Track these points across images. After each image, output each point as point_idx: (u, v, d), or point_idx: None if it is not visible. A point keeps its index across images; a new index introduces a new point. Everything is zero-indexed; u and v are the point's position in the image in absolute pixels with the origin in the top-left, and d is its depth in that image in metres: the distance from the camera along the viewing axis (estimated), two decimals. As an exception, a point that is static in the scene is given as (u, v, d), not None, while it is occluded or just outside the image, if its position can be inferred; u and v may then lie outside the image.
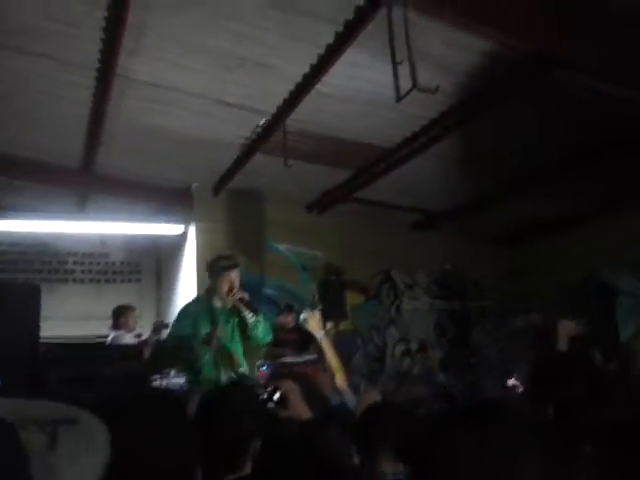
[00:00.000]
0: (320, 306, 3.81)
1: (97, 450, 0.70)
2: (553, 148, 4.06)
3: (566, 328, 2.96)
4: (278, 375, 2.62)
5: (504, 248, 6.25)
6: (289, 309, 4.51)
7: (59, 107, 3.71)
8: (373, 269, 5.82)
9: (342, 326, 5.34)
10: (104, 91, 3.36)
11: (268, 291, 5.02)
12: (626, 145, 3.83)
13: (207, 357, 2.97)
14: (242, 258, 4.47)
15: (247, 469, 1.51)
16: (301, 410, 1.88)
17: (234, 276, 3.17)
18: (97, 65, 3.20)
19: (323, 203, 5.30)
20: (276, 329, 3.78)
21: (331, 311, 5.42)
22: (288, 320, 4.36)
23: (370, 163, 4.37)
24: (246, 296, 3.13)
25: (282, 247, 5.32)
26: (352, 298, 5.70)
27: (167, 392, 2.29)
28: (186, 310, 3.20)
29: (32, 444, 0.43)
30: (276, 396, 1.86)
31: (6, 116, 3.82)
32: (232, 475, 1.47)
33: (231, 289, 3.07)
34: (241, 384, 2.35)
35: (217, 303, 3.05)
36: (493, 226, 5.82)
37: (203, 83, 3.35)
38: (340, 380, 2.61)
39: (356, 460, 1.59)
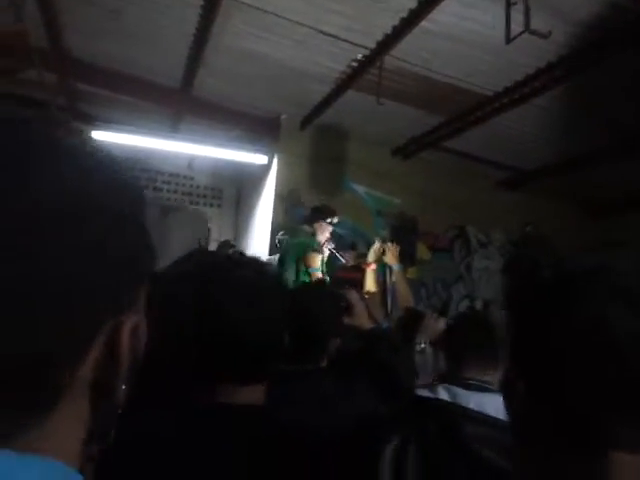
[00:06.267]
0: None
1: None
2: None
3: None
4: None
5: (593, 217, 5.92)
6: (352, 248, 4.63)
7: (165, 25, 3.81)
8: (449, 222, 5.74)
9: (409, 274, 5.36)
10: (211, 11, 3.41)
11: (339, 230, 5.10)
12: None
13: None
14: (321, 197, 4.63)
15: (322, 363, 1.63)
16: (364, 320, 1.98)
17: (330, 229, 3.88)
18: (205, -16, 3.25)
19: (409, 149, 5.20)
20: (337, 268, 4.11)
21: (401, 255, 5.44)
22: (349, 258, 4.48)
23: (465, 111, 4.22)
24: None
25: (360, 189, 5.32)
26: (421, 252, 5.67)
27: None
28: (291, 242, 3.81)
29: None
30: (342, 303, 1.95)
31: (113, 32, 3.96)
32: (309, 365, 1.57)
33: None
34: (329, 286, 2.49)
35: (315, 244, 3.69)
36: (585, 193, 5.51)
37: (306, 10, 3.32)
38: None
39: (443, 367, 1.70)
